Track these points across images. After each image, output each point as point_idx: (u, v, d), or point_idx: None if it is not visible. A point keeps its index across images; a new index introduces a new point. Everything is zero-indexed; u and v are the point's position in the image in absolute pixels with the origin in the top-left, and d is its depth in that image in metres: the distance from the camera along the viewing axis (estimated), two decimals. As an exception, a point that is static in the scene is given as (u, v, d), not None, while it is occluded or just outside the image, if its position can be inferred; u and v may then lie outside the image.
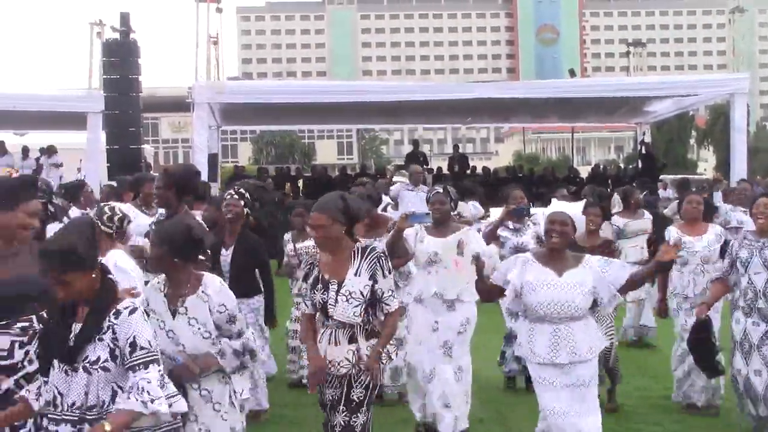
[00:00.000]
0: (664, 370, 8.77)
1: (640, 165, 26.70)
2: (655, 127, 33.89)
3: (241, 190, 7.77)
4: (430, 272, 7.07)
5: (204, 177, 19.23)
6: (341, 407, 5.14)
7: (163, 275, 4.94)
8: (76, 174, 24.00)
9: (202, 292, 4.78)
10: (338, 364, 5.13)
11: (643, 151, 26.94)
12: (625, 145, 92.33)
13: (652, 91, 22.71)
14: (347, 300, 5.11)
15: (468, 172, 25.88)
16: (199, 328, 4.75)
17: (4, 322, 4.41)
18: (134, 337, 3.97)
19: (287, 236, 9.17)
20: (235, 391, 4.91)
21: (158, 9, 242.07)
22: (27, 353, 4.44)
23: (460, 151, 29.52)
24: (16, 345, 4.44)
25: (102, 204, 6.66)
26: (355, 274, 5.12)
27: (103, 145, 19.93)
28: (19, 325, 4.42)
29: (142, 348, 3.97)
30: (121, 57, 19.40)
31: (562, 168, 36.71)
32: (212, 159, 21.35)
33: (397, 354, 5.34)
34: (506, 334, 8.76)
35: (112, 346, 3.99)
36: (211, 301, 4.75)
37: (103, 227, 5.99)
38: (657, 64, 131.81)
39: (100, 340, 3.99)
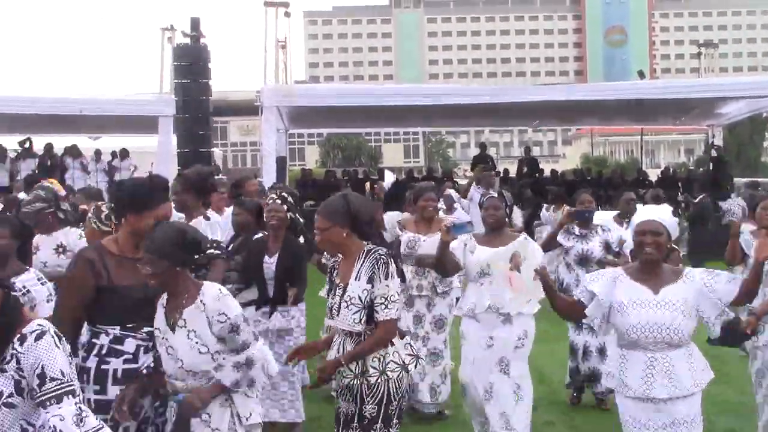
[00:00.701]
0: (738, 374, 8.60)
1: (710, 168, 26.24)
2: (727, 129, 33.29)
3: (284, 194, 7.46)
4: (482, 284, 6.55)
5: (273, 180, 19.53)
6: (354, 423, 4.75)
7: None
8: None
9: (200, 301, 4.31)
10: (343, 374, 4.76)
11: (714, 154, 26.49)
12: (695, 148, 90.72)
13: (723, 93, 22.31)
14: (348, 306, 4.69)
15: (536, 175, 25.71)
16: (196, 342, 4.28)
17: (131, 326, 4.50)
18: (43, 367, 3.44)
19: None
20: (239, 415, 4.41)
21: (228, 14, 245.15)
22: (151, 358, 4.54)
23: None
24: (141, 349, 4.53)
25: (99, 202, 6.56)
26: (356, 278, 4.70)
27: (174, 149, 20.20)
28: (146, 329, 4.49)
29: (53, 379, 3.44)
30: (191, 61, 19.66)
31: (630, 171, 36.25)
32: (280, 162, 21.53)
33: (416, 366, 4.83)
34: (570, 347, 8.34)
35: (17, 377, 3.49)
36: (208, 310, 4.27)
37: (102, 225, 5.92)
38: (729, 65, 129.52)
39: (2, 371, 3.50)
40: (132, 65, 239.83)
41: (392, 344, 4.73)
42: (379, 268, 4.64)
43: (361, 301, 4.66)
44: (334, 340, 4.89)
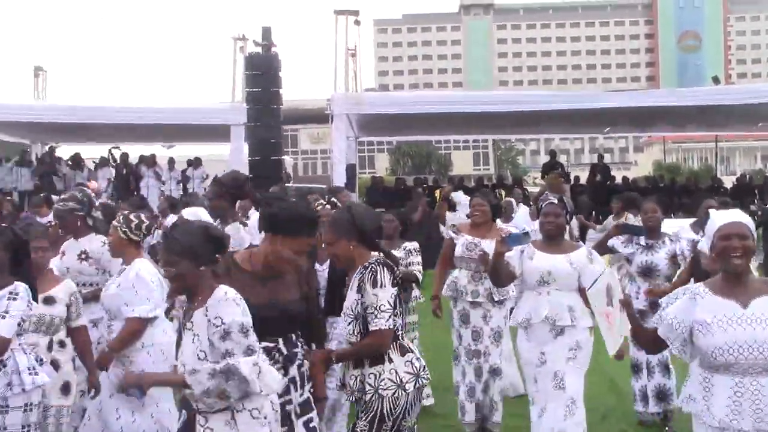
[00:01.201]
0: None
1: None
2: (805, 135, 32.58)
3: (333, 199, 7.15)
4: (540, 293, 6.30)
5: (343, 183, 19.63)
6: None
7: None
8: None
9: (207, 305, 4.13)
10: (348, 389, 4.71)
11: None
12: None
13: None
14: (345, 317, 4.68)
15: (608, 182, 25.44)
16: (197, 346, 4.11)
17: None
18: None
19: None
20: None
21: (298, 23, 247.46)
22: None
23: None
24: None
25: (126, 212, 6.65)
26: (350, 289, 4.66)
27: (246, 157, 20.43)
28: (263, 344, 4.46)
29: None
30: (262, 70, 19.86)
31: (704, 178, 35.63)
32: (350, 170, 21.64)
33: (416, 385, 4.60)
34: (631, 364, 7.87)
35: None
36: (210, 313, 4.08)
37: (131, 235, 6.01)
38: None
39: None
40: (204, 75, 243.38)
41: (390, 361, 4.58)
42: (366, 277, 4.54)
43: (352, 311, 4.60)
44: None
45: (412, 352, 4.69)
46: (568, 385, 6.14)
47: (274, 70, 19.96)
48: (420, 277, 7.80)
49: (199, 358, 4.07)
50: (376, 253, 4.74)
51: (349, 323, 4.62)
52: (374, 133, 31.78)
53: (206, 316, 4.07)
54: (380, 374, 4.54)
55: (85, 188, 7.69)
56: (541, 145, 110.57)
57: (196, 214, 6.90)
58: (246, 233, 6.79)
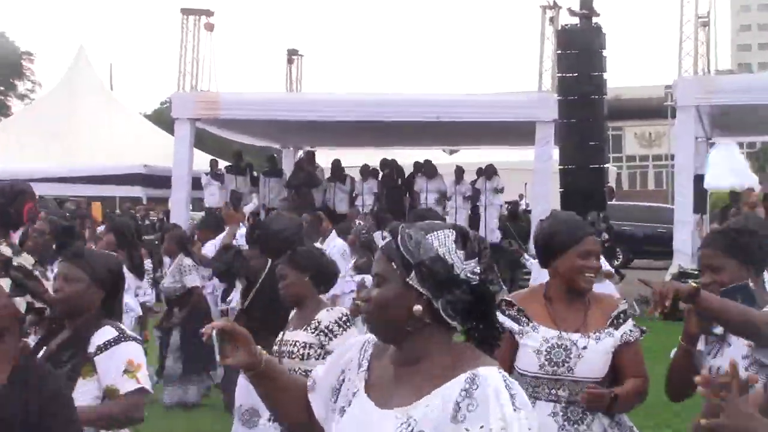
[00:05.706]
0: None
1: None
2: None
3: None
4: None
5: (689, 202, 19.20)
6: None
7: None
8: (518, 200, 24.86)
9: None
10: None
11: None
12: None
13: None
14: None
15: None
16: None
17: None
18: None
19: None
20: None
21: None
22: None
23: None
24: None
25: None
26: None
27: (556, 165, 20.39)
28: None
29: None
30: (579, 49, 19.79)
31: None
32: (699, 182, 21.13)
33: None
34: None
35: None
36: None
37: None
38: None
39: None
40: (501, 56, 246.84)
41: None
42: None
43: None
44: None
45: None
46: None
47: (597, 49, 19.85)
48: None
49: None
50: None
51: None
52: (732, 132, 30.93)
53: None
54: None
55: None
56: None
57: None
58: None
